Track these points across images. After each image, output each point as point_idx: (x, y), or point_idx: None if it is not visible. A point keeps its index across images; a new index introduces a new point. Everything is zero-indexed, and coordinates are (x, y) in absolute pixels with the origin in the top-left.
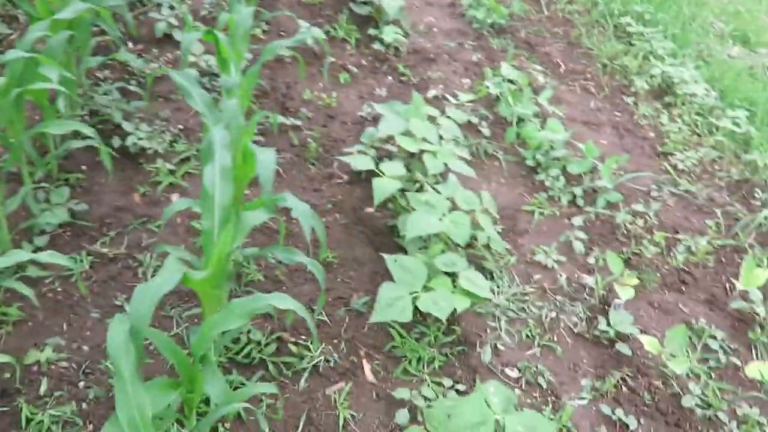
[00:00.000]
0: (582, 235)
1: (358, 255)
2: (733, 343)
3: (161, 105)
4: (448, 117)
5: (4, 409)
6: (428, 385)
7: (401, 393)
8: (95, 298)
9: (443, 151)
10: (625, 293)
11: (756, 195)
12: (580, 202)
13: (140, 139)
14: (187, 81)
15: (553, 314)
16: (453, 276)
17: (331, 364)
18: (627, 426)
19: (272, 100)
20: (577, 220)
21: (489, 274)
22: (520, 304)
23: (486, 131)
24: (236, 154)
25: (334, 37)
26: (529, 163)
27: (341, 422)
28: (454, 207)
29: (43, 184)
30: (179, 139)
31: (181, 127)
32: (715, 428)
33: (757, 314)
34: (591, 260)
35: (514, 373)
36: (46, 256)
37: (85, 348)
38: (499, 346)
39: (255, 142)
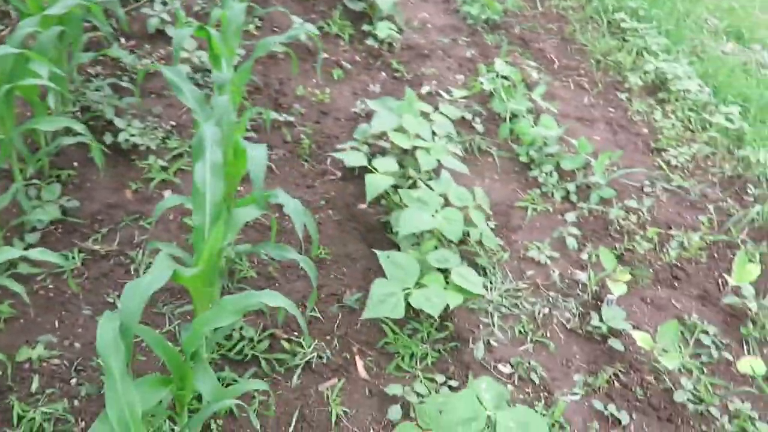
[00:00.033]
0: (575, 231)
1: (351, 251)
2: (726, 338)
3: (153, 101)
4: (442, 113)
5: None
6: (421, 381)
7: (394, 389)
8: (87, 295)
9: (436, 148)
10: (617, 289)
11: (749, 191)
12: (573, 198)
13: (132, 135)
14: (178, 77)
15: (546, 310)
16: (446, 272)
17: (324, 361)
18: (619, 421)
19: (265, 97)
20: (571, 216)
21: (482, 270)
22: (512, 300)
23: (479, 127)
24: (227, 151)
25: (327, 33)
26: (523, 159)
27: (334, 418)
28: (447, 203)
29: (34, 181)
30: (171, 136)
31: (173, 123)
32: (707, 423)
33: (750, 309)
34: (584, 256)
35: (506, 369)
36: (38, 254)
37: (77, 345)
38: (491, 342)
39: (248, 138)
